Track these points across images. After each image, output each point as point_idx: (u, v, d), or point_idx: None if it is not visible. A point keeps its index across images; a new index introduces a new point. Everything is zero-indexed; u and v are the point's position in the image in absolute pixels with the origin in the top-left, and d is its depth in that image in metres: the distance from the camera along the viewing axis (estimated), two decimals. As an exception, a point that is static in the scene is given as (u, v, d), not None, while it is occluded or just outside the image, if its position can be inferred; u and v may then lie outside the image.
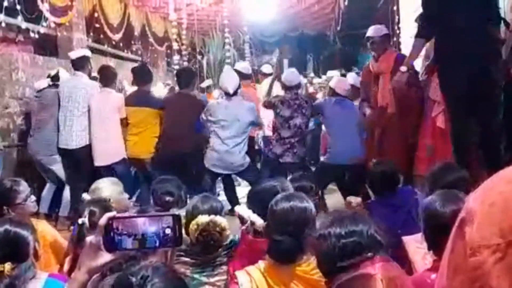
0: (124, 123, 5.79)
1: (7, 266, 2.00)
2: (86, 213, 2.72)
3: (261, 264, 2.20)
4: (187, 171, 5.58)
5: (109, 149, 5.69)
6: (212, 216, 2.45)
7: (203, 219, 2.43)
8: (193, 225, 2.41)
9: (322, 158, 6.34)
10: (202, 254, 2.50)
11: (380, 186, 3.65)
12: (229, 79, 5.85)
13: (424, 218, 2.19)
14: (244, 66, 7.55)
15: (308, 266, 2.12)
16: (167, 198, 3.18)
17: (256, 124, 6.00)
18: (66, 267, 2.76)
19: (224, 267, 2.48)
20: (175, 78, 6.28)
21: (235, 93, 5.73)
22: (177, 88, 6.65)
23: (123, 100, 5.83)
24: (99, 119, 5.69)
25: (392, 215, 3.29)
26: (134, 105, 5.77)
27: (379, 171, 3.70)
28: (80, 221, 2.73)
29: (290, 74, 6.04)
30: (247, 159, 5.78)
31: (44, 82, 6.08)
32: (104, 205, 2.85)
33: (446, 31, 4.04)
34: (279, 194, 2.33)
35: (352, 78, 6.74)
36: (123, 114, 5.76)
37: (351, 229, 1.60)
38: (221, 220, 2.46)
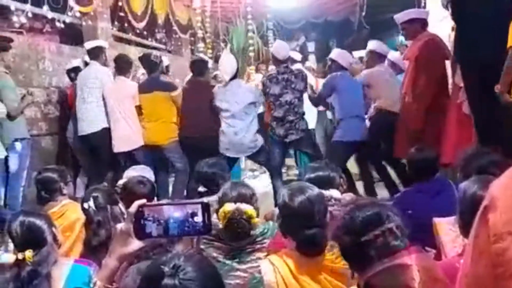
0: (138, 111, 5.92)
1: (28, 253, 2.05)
2: (91, 198, 2.85)
3: (284, 255, 2.18)
4: (205, 156, 5.61)
5: (127, 136, 5.84)
6: (238, 204, 2.41)
7: (229, 207, 2.40)
8: (220, 213, 2.41)
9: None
10: (230, 242, 2.49)
11: (421, 172, 3.63)
12: (224, 65, 5.80)
13: (461, 202, 2.14)
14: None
15: (333, 254, 2.11)
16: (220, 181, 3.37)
17: (259, 103, 5.86)
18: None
19: (257, 254, 2.46)
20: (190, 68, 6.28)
21: (233, 78, 5.68)
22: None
23: (137, 88, 5.96)
24: (115, 107, 5.85)
25: (432, 201, 3.30)
26: (147, 91, 5.87)
27: (421, 158, 3.66)
28: (86, 205, 2.84)
29: (279, 46, 5.81)
30: (259, 140, 5.71)
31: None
32: (104, 189, 3.02)
33: (478, 18, 3.97)
34: (285, 189, 2.29)
35: (391, 54, 6.26)
36: (137, 102, 5.90)
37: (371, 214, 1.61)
38: (248, 207, 2.42)
